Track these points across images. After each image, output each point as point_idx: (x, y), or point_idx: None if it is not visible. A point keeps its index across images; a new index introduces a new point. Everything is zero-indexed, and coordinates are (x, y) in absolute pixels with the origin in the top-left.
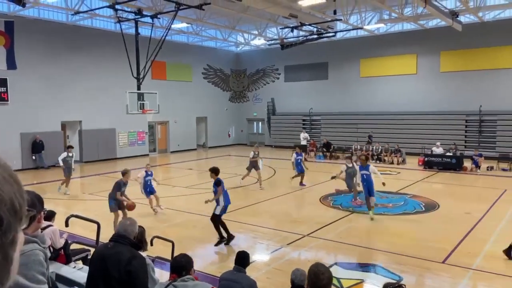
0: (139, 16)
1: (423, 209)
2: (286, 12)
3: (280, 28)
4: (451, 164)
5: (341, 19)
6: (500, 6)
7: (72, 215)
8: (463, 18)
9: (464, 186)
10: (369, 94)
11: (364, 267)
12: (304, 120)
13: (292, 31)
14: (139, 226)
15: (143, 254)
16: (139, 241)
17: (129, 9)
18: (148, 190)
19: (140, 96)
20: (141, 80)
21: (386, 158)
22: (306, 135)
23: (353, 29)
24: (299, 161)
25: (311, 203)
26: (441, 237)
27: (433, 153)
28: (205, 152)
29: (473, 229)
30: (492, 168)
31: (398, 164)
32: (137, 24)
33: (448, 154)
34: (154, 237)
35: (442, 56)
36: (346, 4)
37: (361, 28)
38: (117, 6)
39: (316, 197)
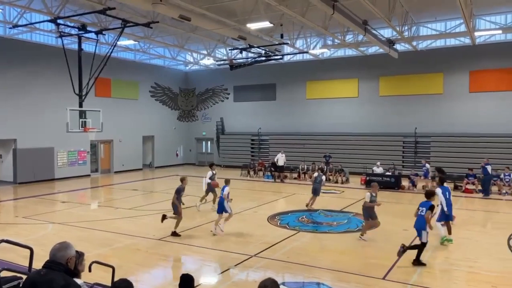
0: (82, 32)
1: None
2: (235, 34)
3: (229, 49)
4: (390, 183)
5: (287, 43)
6: (432, 37)
7: (3, 240)
8: (399, 47)
9: (402, 204)
10: (315, 115)
11: (310, 286)
12: (252, 140)
13: (241, 52)
14: (77, 251)
15: (79, 281)
16: (75, 267)
17: (72, 24)
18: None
19: (82, 114)
20: (83, 97)
21: (331, 178)
22: (283, 155)
23: (299, 53)
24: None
25: (259, 223)
26: (381, 253)
27: (374, 172)
28: (151, 172)
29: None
30: (427, 186)
31: (342, 183)
32: (80, 40)
33: (387, 173)
34: (93, 262)
35: (381, 81)
36: (293, 29)
37: (306, 52)
38: (59, 21)
39: (264, 217)
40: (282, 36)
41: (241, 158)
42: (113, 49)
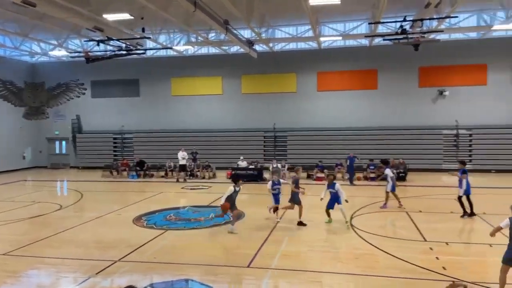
0: None
1: (232, 219)
2: (90, 24)
3: (85, 41)
4: (254, 176)
5: (150, 38)
6: (286, 39)
7: None
8: (258, 47)
9: (265, 195)
10: (181, 112)
11: (178, 283)
12: (115, 138)
13: (98, 44)
14: None
15: None
16: None
17: None
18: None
19: None
20: None
21: (198, 173)
22: (185, 153)
23: (162, 48)
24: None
25: (123, 226)
26: (247, 243)
27: (239, 166)
28: None
29: (271, 233)
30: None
31: (209, 178)
32: None
33: (251, 167)
34: None
35: (243, 80)
36: (155, 24)
37: (170, 48)
38: None
39: (129, 219)
40: (143, 30)
41: (102, 158)
42: None
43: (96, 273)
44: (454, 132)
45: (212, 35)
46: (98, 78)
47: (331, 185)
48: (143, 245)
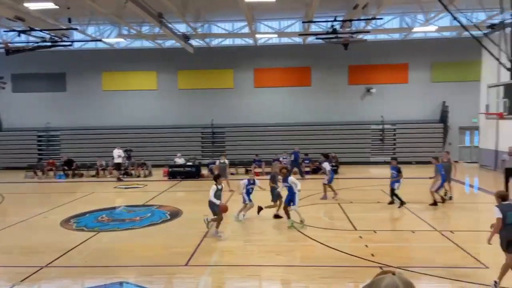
0: None
1: (169, 217)
2: (10, 13)
3: (4, 31)
4: (192, 172)
5: (77, 29)
6: (222, 35)
7: None
8: (194, 42)
9: (203, 191)
10: (114, 108)
11: (112, 287)
12: (40, 136)
13: (19, 35)
14: None
15: None
16: None
17: None
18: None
19: None
20: None
21: (133, 172)
22: (121, 151)
23: (91, 41)
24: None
25: (50, 229)
26: (184, 241)
27: (176, 163)
28: None
29: (210, 230)
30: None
31: (144, 176)
32: None
33: (188, 163)
34: None
35: (179, 75)
36: (82, 14)
37: (100, 40)
38: None
39: (57, 222)
40: (70, 21)
41: (25, 158)
42: None
43: (21, 281)
44: (380, 127)
45: (145, 28)
46: (20, 71)
47: (285, 180)
48: (72, 248)
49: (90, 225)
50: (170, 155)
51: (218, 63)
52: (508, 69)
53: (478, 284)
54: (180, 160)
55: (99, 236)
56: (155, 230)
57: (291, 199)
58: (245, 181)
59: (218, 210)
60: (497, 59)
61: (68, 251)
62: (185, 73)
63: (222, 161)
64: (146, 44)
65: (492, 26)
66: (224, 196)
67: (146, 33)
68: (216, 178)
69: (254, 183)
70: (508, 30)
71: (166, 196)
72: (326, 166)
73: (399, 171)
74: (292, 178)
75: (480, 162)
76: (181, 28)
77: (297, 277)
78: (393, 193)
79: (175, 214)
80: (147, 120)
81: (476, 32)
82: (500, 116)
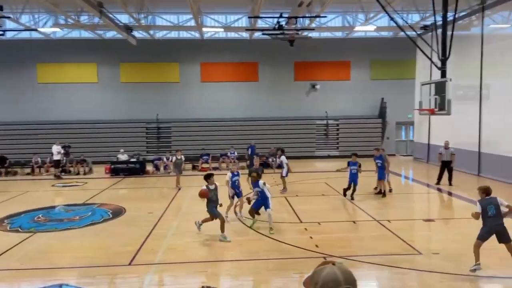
0: None
1: (111, 216)
2: None
3: None
4: (135, 169)
5: (9, 17)
6: (167, 27)
7: None
8: (137, 34)
9: (148, 188)
10: (50, 102)
11: None
12: None
13: None
14: None
15: None
16: None
17: None
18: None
19: None
20: None
21: (72, 169)
22: (59, 147)
23: (25, 30)
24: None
25: None
26: (127, 240)
27: (119, 160)
28: None
29: (155, 227)
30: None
31: (84, 174)
32: None
33: (132, 160)
34: None
35: (121, 68)
36: (16, 1)
37: (34, 30)
38: None
39: None
40: (2, 8)
41: None
42: None
43: None
44: (325, 122)
45: (84, 18)
46: None
47: (255, 184)
48: (6, 251)
49: (26, 226)
50: (112, 151)
51: (163, 56)
52: (439, 68)
53: (413, 269)
54: (123, 156)
55: (35, 237)
56: (96, 230)
57: (262, 204)
58: (230, 175)
59: (213, 212)
60: (429, 58)
61: (1, 253)
62: (128, 66)
63: (178, 157)
64: (85, 34)
65: (425, 27)
66: (172, 193)
67: (85, 23)
68: (207, 178)
69: (238, 175)
70: (439, 31)
71: (108, 194)
72: (284, 159)
73: (359, 166)
74: (261, 183)
75: (414, 155)
76: (123, 19)
77: (243, 271)
78: (354, 189)
79: (117, 212)
80: (87, 115)
81: (410, 33)
82: (432, 112)
